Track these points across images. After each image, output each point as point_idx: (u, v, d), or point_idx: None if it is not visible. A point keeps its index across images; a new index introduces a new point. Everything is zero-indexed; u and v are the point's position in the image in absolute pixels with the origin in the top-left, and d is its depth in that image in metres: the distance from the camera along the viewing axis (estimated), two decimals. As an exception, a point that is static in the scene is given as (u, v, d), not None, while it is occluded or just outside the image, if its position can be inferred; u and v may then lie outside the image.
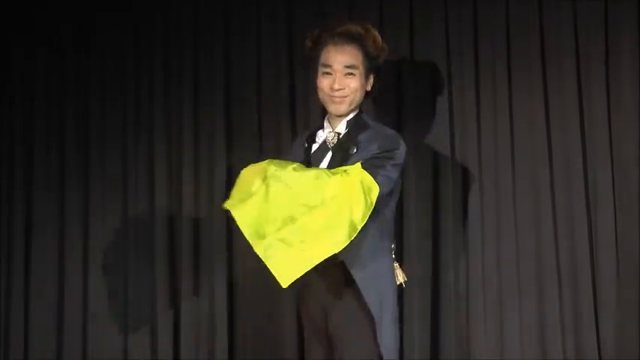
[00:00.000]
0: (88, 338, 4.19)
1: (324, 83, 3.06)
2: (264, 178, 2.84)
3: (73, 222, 4.25)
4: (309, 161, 3.06)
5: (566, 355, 3.59)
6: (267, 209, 2.80)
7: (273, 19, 4.06)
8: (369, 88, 3.10)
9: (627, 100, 3.59)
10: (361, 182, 2.82)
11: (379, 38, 3.07)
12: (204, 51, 4.15)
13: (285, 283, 2.79)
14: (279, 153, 3.97)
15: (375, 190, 2.84)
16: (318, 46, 3.09)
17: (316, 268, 2.82)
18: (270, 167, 2.87)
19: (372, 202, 2.81)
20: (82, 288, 4.22)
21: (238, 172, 4.01)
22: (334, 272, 2.95)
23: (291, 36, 4.03)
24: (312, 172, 2.86)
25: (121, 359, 4.14)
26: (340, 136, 3.06)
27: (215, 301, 4.02)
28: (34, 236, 4.29)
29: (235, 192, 2.95)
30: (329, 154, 3.05)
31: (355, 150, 2.99)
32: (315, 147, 3.10)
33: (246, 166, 3.98)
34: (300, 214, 2.78)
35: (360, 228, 2.78)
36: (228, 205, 2.88)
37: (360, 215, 2.78)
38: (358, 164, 2.88)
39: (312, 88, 3.93)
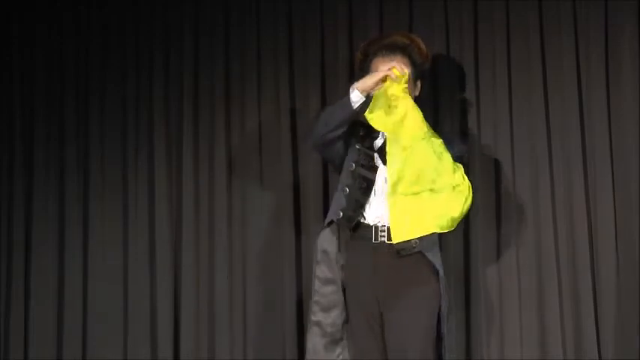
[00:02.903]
0: (87, 338, 4.19)
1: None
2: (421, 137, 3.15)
3: (73, 222, 4.25)
4: (371, 160, 3.29)
5: (566, 355, 3.59)
6: (409, 161, 3.13)
7: (273, 18, 4.06)
8: (417, 93, 3.36)
9: (627, 96, 3.59)
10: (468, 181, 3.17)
11: (423, 46, 3.33)
12: (203, 52, 4.14)
13: (396, 239, 3.12)
14: (279, 153, 3.99)
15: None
16: (367, 57, 3.35)
17: (376, 257, 3.20)
18: (424, 125, 3.18)
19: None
20: (82, 288, 4.21)
21: (238, 172, 4.05)
22: (395, 263, 3.18)
23: (292, 36, 4.03)
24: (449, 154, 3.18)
25: (121, 359, 4.14)
26: None
27: (215, 300, 4.02)
28: (34, 236, 4.28)
29: (382, 110, 3.20)
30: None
31: None
32: (375, 147, 3.32)
33: (245, 166, 4.03)
34: (429, 185, 3.11)
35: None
36: (371, 118, 3.20)
37: (466, 210, 3.15)
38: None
39: (312, 88, 3.99)
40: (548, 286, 3.63)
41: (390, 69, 3.19)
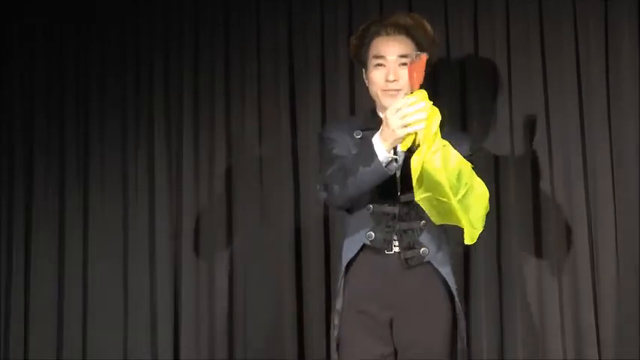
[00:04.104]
0: (87, 338, 4.19)
1: (377, 76, 2.89)
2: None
3: (73, 221, 4.25)
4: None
5: (566, 355, 3.59)
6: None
7: (273, 18, 4.06)
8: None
9: (627, 97, 3.59)
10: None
11: (429, 28, 2.92)
12: (203, 51, 4.14)
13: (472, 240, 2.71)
14: (279, 153, 3.99)
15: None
16: (365, 40, 2.94)
17: (386, 272, 2.83)
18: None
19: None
20: (82, 287, 4.22)
21: (238, 172, 4.05)
22: (407, 277, 2.84)
23: (291, 36, 4.03)
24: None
25: (121, 359, 4.14)
26: None
27: (215, 300, 4.02)
28: (34, 236, 4.28)
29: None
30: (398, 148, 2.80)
31: None
32: None
33: (245, 165, 4.03)
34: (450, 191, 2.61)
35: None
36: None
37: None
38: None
39: (312, 88, 3.99)
40: (548, 286, 3.63)
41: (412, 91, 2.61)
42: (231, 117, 4.09)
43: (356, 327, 2.85)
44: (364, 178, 2.73)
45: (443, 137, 2.68)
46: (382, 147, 2.68)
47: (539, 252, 3.65)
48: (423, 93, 2.60)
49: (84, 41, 4.31)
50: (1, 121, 4.38)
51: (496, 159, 3.72)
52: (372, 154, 2.69)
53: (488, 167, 3.71)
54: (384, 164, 2.69)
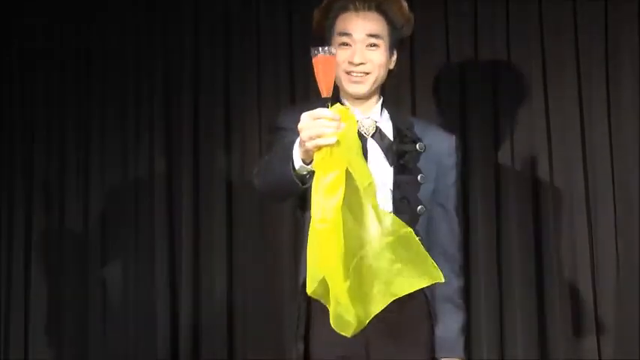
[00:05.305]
0: (87, 338, 4.19)
1: (340, 56, 2.47)
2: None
3: (73, 222, 4.25)
4: None
5: (566, 355, 3.59)
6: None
7: (273, 17, 4.06)
8: (391, 66, 2.60)
9: (627, 96, 3.59)
10: None
11: (405, 5, 2.57)
12: (203, 52, 4.15)
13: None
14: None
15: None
16: (330, 14, 2.58)
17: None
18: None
19: None
20: (81, 288, 4.22)
21: (238, 173, 4.05)
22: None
23: (291, 34, 4.03)
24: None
25: (121, 359, 4.14)
26: (377, 124, 2.54)
27: (215, 300, 4.02)
28: (34, 236, 4.29)
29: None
30: (373, 145, 2.52)
31: (424, 149, 2.53)
32: None
33: (245, 167, 4.03)
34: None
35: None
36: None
37: None
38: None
39: (312, 88, 3.97)
40: (548, 286, 3.63)
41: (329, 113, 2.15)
42: (231, 117, 4.09)
43: (329, 350, 2.48)
44: (275, 180, 2.34)
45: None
46: (298, 154, 2.25)
47: (539, 252, 3.65)
48: (346, 111, 2.19)
49: (84, 41, 4.31)
50: (1, 121, 4.38)
51: (496, 159, 3.72)
52: (289, 156, 2.26)
53: (488, 167, 3.71)
54: (300, 173, 2.25)
